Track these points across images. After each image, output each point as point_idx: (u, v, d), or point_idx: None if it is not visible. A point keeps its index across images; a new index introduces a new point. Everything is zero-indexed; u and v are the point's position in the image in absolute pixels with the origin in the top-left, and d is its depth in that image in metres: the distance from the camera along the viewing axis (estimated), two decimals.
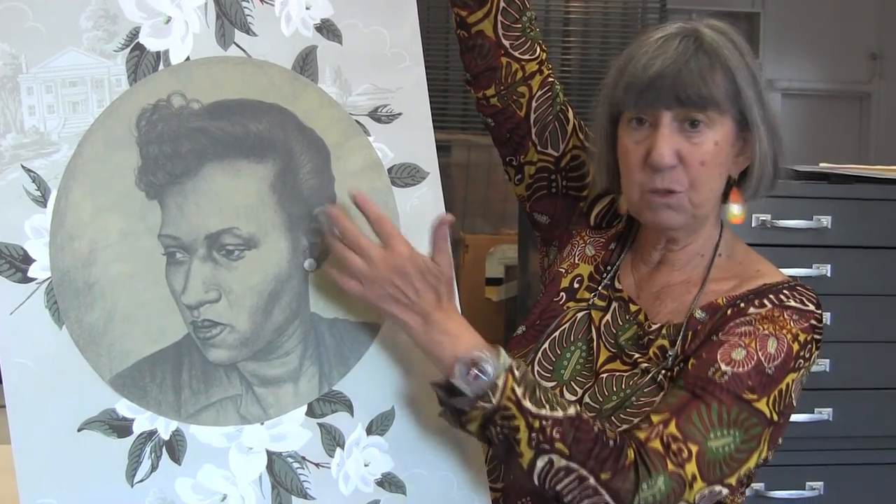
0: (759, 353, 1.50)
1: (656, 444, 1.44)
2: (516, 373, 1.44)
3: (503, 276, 3.14)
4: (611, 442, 1.43)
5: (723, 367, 1.49)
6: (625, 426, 1.53)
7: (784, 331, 1.52)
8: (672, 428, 1.45)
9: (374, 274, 1.48)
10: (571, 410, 1.44)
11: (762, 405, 1.49)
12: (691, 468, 1.44)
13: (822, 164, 2.77)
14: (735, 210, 1.64)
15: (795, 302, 1.57)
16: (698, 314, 1.60)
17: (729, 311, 1.57)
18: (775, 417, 1.50)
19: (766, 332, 1.52)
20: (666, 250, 1.67)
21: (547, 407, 1.43)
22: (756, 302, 1.57)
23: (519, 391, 1.43)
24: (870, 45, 6.70)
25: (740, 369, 1.48)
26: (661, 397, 1.53)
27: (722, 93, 1.55)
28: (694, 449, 1.44)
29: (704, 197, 1.58)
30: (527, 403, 1.42)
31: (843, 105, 6.82)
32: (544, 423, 1.42)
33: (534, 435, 1.42)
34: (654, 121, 1.56)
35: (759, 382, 1.49)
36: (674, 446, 1.44)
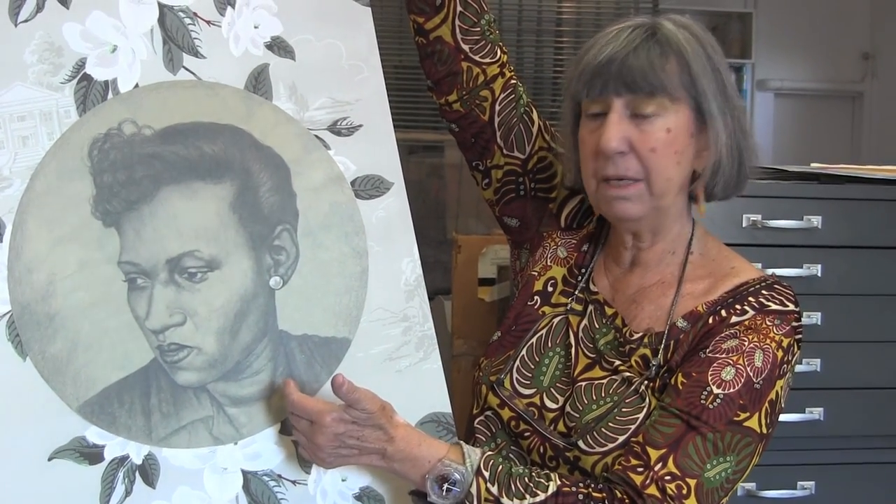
0: (748, 369, 1.49)
1: (653, 491, 1.44)
2: (486, 473, 1.47)
3: (496, 277, 3.13)
4: None
5: (714, 389, 1.49)
6: (610, 446, 1.52)
7: (768, 340, 1.52)
8: (670, 465, 1.46)
9: (315, 449, 1.51)
10: (552, 488, 1.46)
11: (753, 422, 1.49)
12: (690, 502, 1.45)
13: (813, 164, 2.75)
14: (702, 203, 1.63)
15: (776, 304, 1.55)
16: (680, 323, 1.58)
17: (710, 320, 1.56)
18: (765, 430, 1.50)
19: (752, 344, 1.51)
20: (635, 249, 1.66)
21: (527, 496, 1.45)
22: (737, 308, 1.56)
23: (494, 490, 1.46)
24: (862, 45, 6.68)
25: (731, 390, 1.48)
26: (654, 422, 1.51)
27: (674, 80, 1.54)
28: (692, 483, 1.45)
29: (662, 186, 1.56)
30: (506, 501, 1.45)
31: (836, 105, 6.80)
32: None
33: None
34: (607, 109, 1.56)
35: (749, 399, 1.49)
36: (672, 486, 1.44)
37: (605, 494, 1.45)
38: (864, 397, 2.44)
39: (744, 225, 2.38)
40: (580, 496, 1.44)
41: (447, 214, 4.71)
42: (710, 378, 1.49)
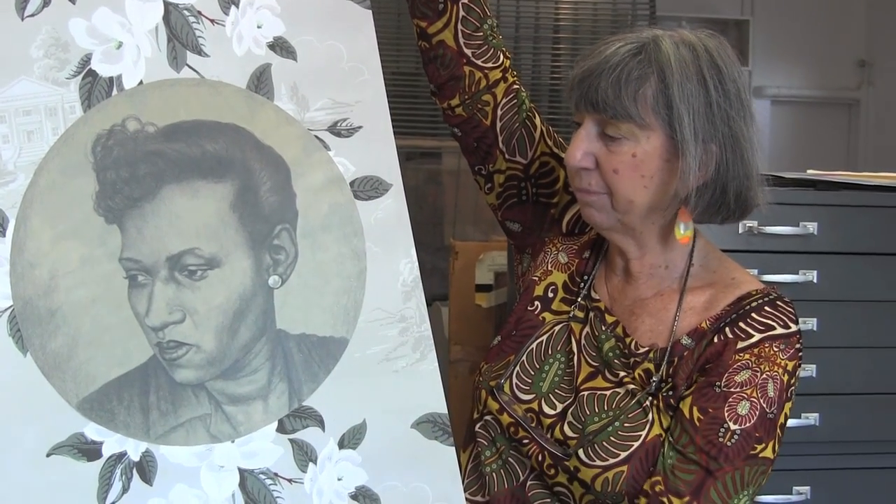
0: (762, 401, 1.52)
1: None
2: None
3: (493, 283, 3.15)
4: None
5: (731, 425, 1.51)
6: (611, 461, 1.54)
7: (777, 367, 1.53)
8: None
9: None
10: None
11: (767, 451, 1.52)
12: None
13: (809, 171, 2.77)
14: (681, 228, 1.60)
15: (780, 325, 1.56)
16: (685, 340, 1.59)
17: (715, 339, 1.57)
18: (775, 454, 1.54)
19: (764, 375, 1.53)
20: (624, 260, 1.67)
21: None
22: (741, 326, 1.56)
23: None
24: (858, 52, 6.69)
25: (747, 424, 1.51)
26: (672, 468, 1.52)
27: (645, 106, 1.52)
28: None
29: (623, 206, 1.57)
30: None
31: (832, 112, 6.81)
32: None
33: None
34: (582, 122, 1.57)
35: (764, 430, 1.51)
36: None
37: None
38: (859, 403, 2.46)
39: (740, 231, 2.39)
40: None
41: (444, 221, 4.73)
42: (726, 414, 1.51)
